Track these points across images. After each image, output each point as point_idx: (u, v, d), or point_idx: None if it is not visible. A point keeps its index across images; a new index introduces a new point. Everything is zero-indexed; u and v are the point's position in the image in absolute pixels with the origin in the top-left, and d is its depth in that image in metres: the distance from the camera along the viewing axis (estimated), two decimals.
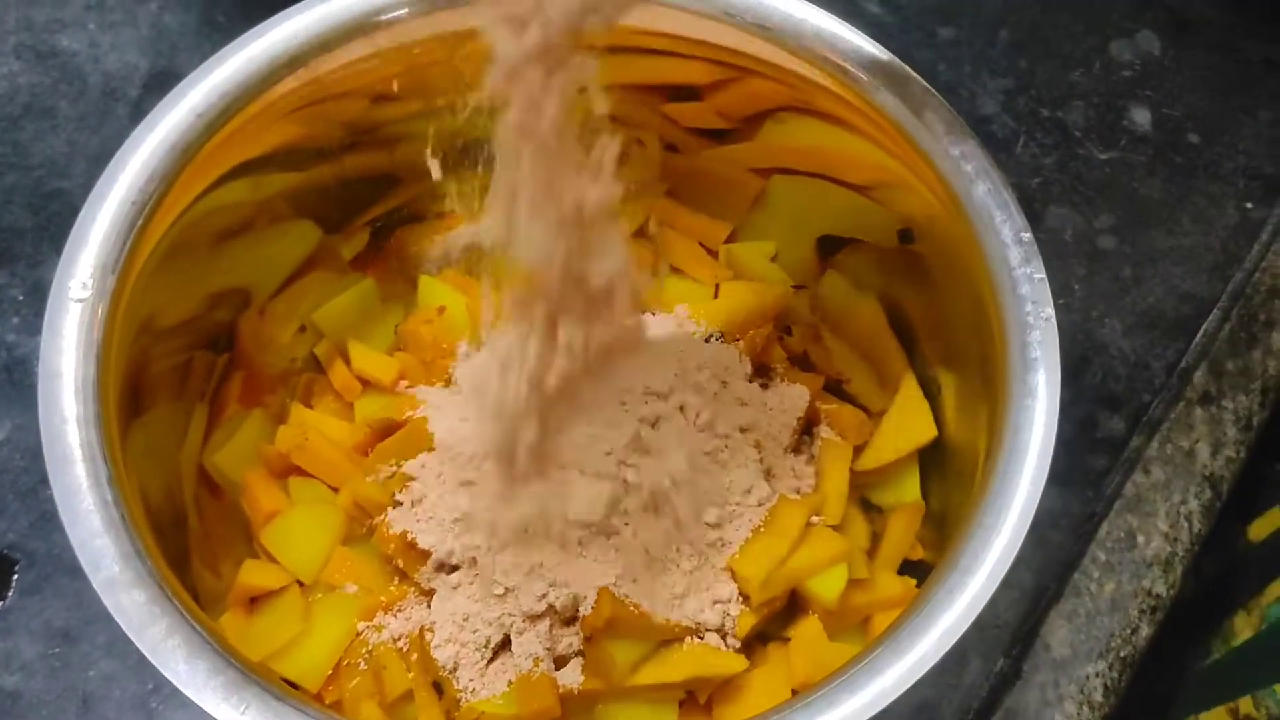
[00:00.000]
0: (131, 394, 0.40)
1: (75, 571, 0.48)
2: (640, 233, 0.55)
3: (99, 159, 0.59)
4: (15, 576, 0.49)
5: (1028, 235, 0.39)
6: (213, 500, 0.46)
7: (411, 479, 0.44)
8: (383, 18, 0.44)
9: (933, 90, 0.42)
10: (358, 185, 0.52)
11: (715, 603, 0.42)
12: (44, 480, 0.50)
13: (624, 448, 0.40)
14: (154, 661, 0.31)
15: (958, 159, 0.41)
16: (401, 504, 0.44)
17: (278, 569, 0.45)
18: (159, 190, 0.40)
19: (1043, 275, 0.39)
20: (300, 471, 0.47)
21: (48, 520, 0.50)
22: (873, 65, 0.43)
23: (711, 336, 0.49)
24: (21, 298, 0.56)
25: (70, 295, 0.37)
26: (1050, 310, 0.38)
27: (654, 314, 0.49)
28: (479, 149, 0.53)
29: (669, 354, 0.44)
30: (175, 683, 0.31)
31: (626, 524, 0.41)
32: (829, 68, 0.44)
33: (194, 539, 0.44)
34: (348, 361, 0.50)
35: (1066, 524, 0.52)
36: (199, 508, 0.45)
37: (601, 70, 0.50)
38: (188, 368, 0.46)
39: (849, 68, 0.43)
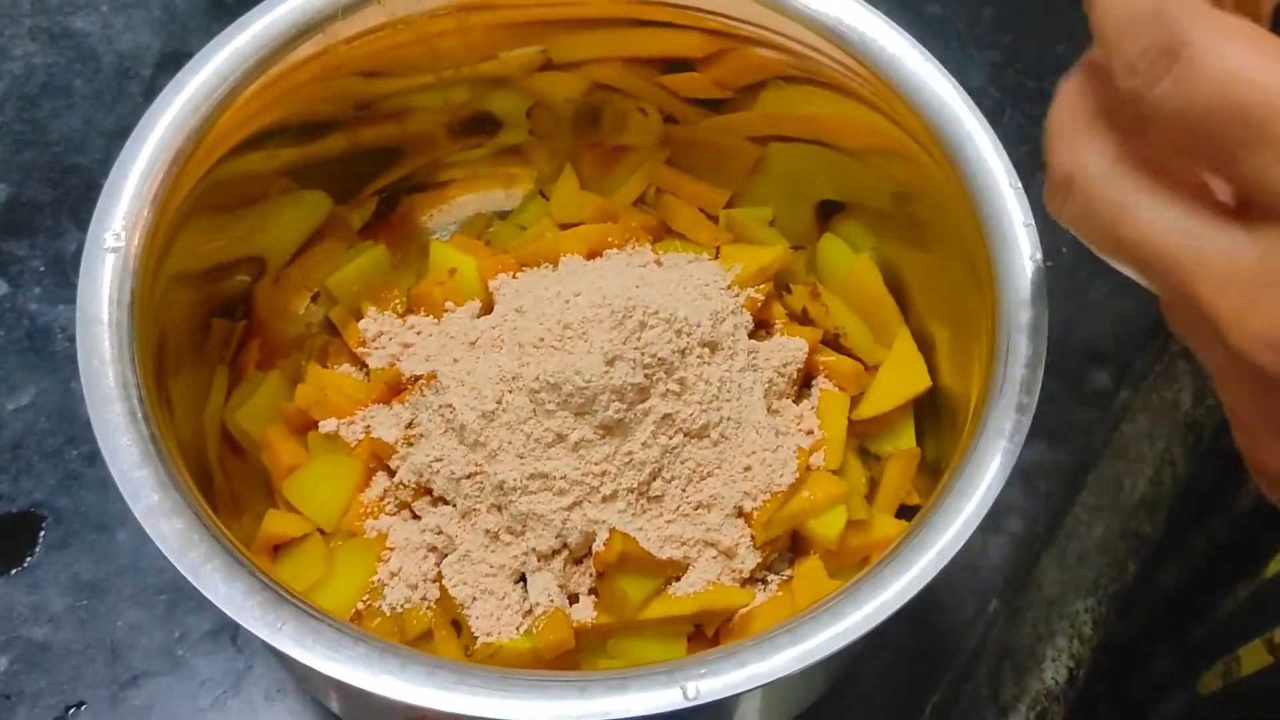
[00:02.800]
0: (159, 352, 0.41)
1: (101, 527, 0.51)
2: (641, 200, 0.57)
3: (115, 135, 0.62)
4: (42, 533, 0.51)
5: (1018, 184, 0.41)
6: (235, 459, 0.48)
7: (419, 433, 0.46)
8: None
9: (917, 44, 0.44)
10: (365, 156, 0.54)
11: (722, 541, 0.44)
12: (69, 441, 0.53)
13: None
14: (195, 583, 0.33)
15: (947, 110, 0.43)
16: (414, 449, 0.45)
17: (299, 518, 0.46)
18: (186, 149, 0.42)
19: (1031, 223, 0.41)
20: (318, 427, 0.49)
21: (73, 479, 0.52)
22: (860, 22, 0.45)
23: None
24: (42, 269, 0.57)
25: (105, 245, 0.38)
26: (1040, 254, 0.40)
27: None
28: (487, 120, 0.55)
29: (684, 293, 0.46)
30: (215, 602, 0.33)
31: (632, 452, 0.42)
32: (818, 27, 0.46)
33: (220, 497, 0.45)
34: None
35: (1055, 474, 0.54)
36: (223, 467, 0.47)
37: (597, 43, 0.52)
38: (207, 333, 0.48)
39: (835, 25, 0.45)
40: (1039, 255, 0.40)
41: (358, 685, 0.32)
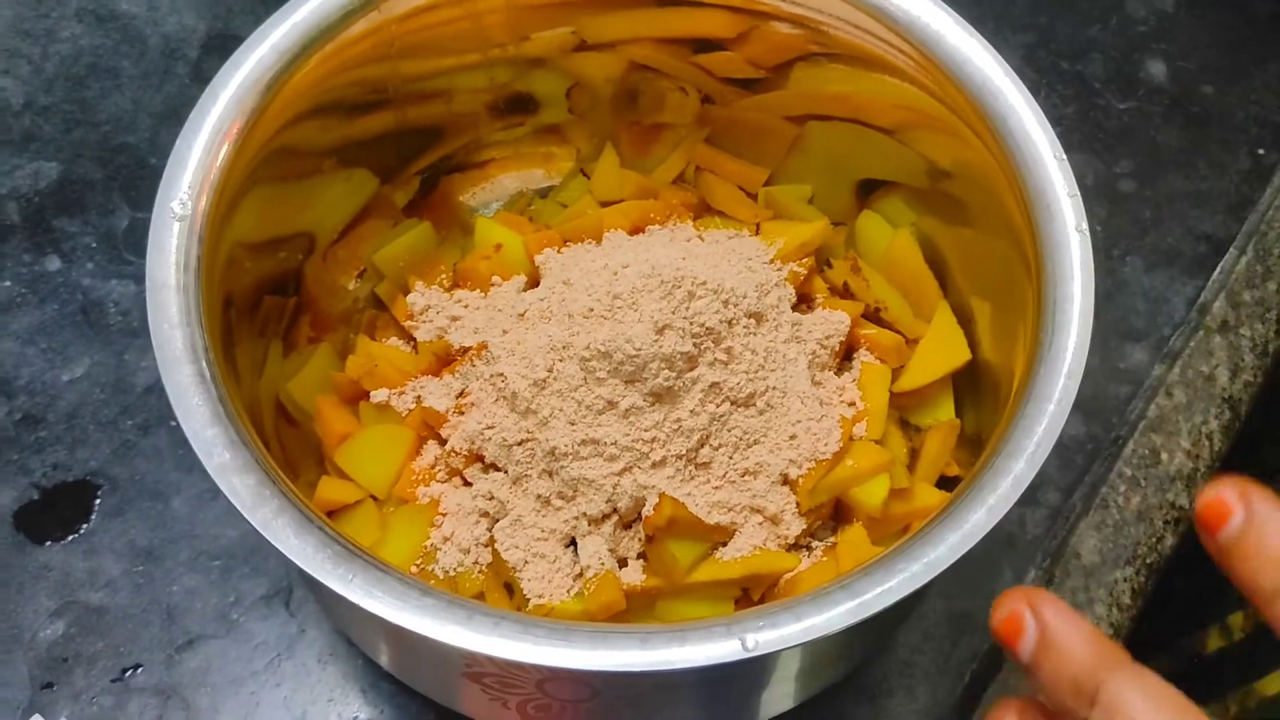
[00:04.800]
0: (224, 319, 0.42)
1: (156, 495, 0.52)
2: (681, 179, 0.58)
3: (163, 115, 0.63)
4: (98, 501, 0.52)
5: (1062, 155, 0.42)
6: (289, 428, 0.49)
7: (471, 400, 0.47)
8: None
9: (962, 20, 0.45)
10: (410, 135, 0.55)
11: (768, 507, 0.45)
12: (123, 411, 0.54)
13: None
14: (268, 536, 0.34)
15: (990, 84, 0.44)
16: (465, 417, 0.46)
17: (352, 485, 0.47)
18: (245, 123, 0.43)
19: (1077, 193, 0.42)
20: (369, 397, 0.50)
21: (128, 448, 0.53)
22: (907, 2, 0.46)
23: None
24: (94, 245, 0.58)
25: (172, 214, 0.39)
26: (1085, 225, 0.41)
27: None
28: (528, 100, 0.56)
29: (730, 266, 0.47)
30: (288, 554, 0.34)
31: (680, 420, 0.43)
32: (864, 5, 0.46)
33: (277, 466, 0.46)
34: None
35: (1092, 448, 0.55)
36: (279, 437, 0.48)
37: (626, 24, 0.53)
38: (260, 308, 0.49)
39: (880, 2, 0.46)
40: (1084, 225, 0.41)
41: (426, 634, 0.33)
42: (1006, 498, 0.36)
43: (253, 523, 0.34)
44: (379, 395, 0.49)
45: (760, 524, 0.45)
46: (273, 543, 0.34)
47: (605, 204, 0.56)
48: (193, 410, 0.36)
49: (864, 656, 0.49)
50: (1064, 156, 0.42)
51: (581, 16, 0.53)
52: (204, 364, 0.37)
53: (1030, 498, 0.53)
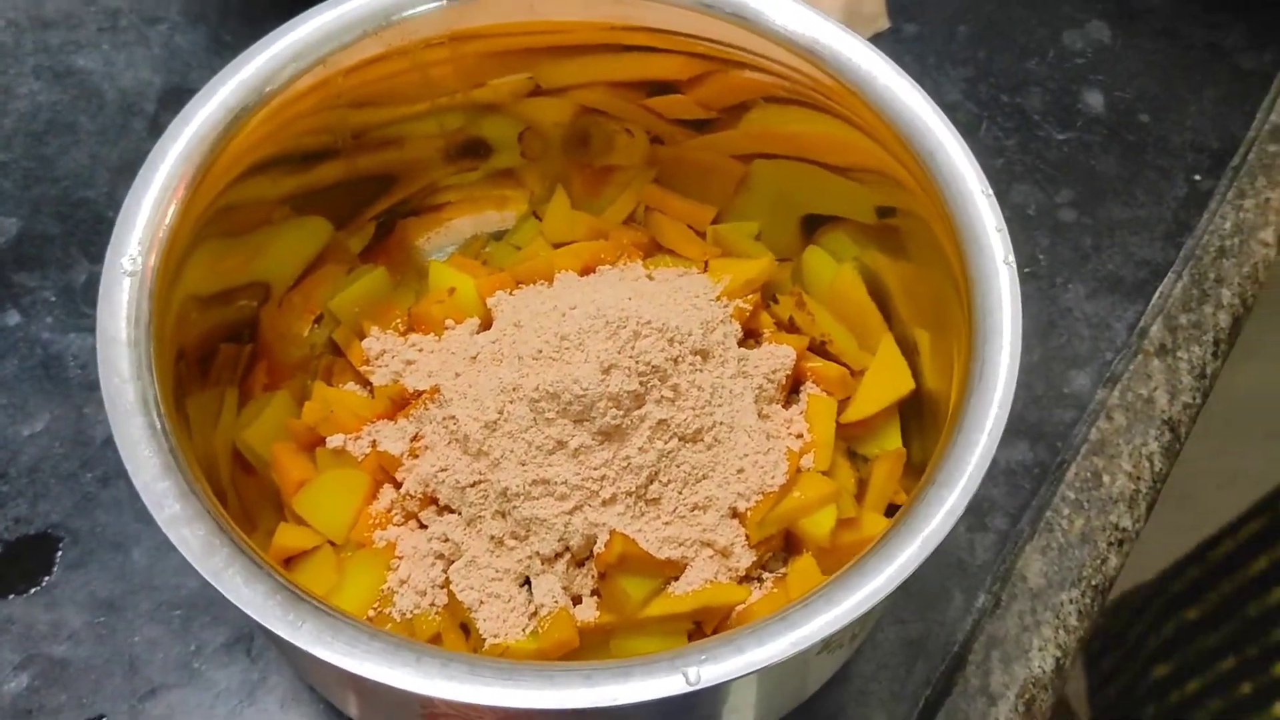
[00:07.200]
0: (176, 371, 0.43)
1: (117, 546, 0.53)
2: (631, 218, 0.59)
3: (121, 170, 0.64)
4: (59, 553, 0.52)
5: (989, 191, 0.43)
6: (246, 477, 0.50)
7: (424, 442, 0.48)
8: (393, 17, 0.48)
9: (889, 60, 0.46)
10: (363, 183, 0.55)
11: (718, 540, 0.46)
12: (83, 464, 0.55)
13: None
14: (217, 586, 0.35)
15: (918, 121, 0.45)
16: (419, 460, 0.47)
17: (310, 531, 0.48)
18: (195, 178, 0.43)
19: (1003, 227, 0.43)
20: (325, 443, 0.50)
21: (88, 500, 0.53)
22: (834, 41, 0.47)
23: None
24: (53, 299, 0.59)
25: (122, 270, 0.40)
26: (1012, 257, 0.42)
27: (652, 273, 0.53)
28: (480, 145, 0.58)
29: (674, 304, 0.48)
30: (237, 603, 0.34)
31: (629, 456, 0.44)
32: (795, 48, 0.48)
33: (233, 515, 0.47)
34: None
35: (1038, 473, 0.56)
36: (236, 487, 0.48)
37: (583, 69, 0.54)
38: (216, 358, 0.49)
39: (811, 45, 0.47)
40: (1011, 258, 0.42)
41: (375, 679, 0.34)
42: (940, 528, 0.37)
43: (203, 573, 0.35)
44: (335, 440, 0.50)
45: (711, 557, 0.46)
46: (222, 591, 0.35)
47: (558, 245, 0.57)
48: (144, 463, 0.37)
49: (820, 684, 0.50)
50: (991, 192, 0.43)
51: (539, 63, 0.54)
52: (155, 417, 0.38)
53: (979, 523, 0.54)
